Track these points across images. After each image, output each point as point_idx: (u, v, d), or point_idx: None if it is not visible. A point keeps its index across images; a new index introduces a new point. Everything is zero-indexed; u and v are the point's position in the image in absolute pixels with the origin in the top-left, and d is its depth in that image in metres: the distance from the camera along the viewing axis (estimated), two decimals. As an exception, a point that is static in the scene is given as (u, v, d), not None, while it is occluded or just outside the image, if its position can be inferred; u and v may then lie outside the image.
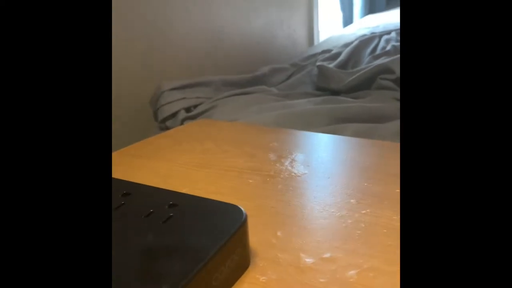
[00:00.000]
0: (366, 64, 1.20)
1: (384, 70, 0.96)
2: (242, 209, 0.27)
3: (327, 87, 1.05)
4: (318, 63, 1.20)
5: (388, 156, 0.44)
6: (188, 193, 0.32)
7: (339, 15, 2.96)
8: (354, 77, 1.00)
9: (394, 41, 1.55)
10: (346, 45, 1.52)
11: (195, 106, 0.91)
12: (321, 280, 0.26)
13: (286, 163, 0.44)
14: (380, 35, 1.65)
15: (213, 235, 0.25)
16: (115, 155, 0.50)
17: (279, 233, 0.31)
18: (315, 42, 2.30)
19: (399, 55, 1.04)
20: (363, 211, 0.33)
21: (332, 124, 0.76)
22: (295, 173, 0.41)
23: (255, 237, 0.30)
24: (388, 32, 1.72)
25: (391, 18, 2.47)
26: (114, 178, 0.33)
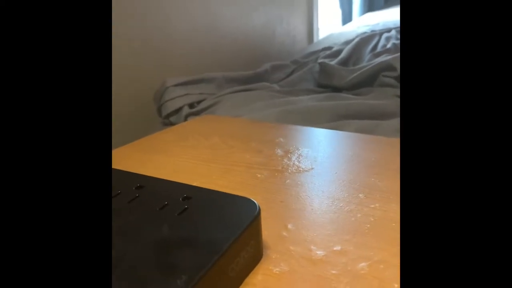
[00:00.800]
0: (367, 62, 1.21)
1: (386, 67, 0.97)
2: (256, 202, 0.28)
3: (329, 84, 1.06)
4: (319, 60, 1.21)
5: (393, 152, 0.44)
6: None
7: (338, 13, 2.96)
8: (356, 74, 1.00)
9: (394, 39, 1.56)
10: (347, 42, 1.53)
11: (198, 102, 0.92)
12: (333, 272, 0.26)
13: (293, 158, 0.44)
14: (380, 33, 1.66)
15: (228, 228, 0.25)
16: (121, 150, 0.50)
17: (289, 226, 0.31)
18: (315, 40, 2.30)
19: (400, 53, 1.04)
20: (372, 206, 0.34)
21: (334, 120, 0.77)
22: (302, 168, 0.42)
23: (266, 230, 0.31)
24: (388, 30, 1.73)
25: (390, 16, 2.47)
26: (127, 171, 0.33)
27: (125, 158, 0.47)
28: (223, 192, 0.30)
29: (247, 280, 0.26)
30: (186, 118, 0.84)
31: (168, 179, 0.33)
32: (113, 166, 0.35)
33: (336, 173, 0.40)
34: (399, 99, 0.86)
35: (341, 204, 0.34)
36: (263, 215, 0.30)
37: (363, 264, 0.27)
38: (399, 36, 1.60)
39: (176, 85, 0.92)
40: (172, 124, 0.87)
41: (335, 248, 0.29)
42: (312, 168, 0.42)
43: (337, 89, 1.03)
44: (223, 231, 0.25)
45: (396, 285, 0.25)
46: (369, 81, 0.99)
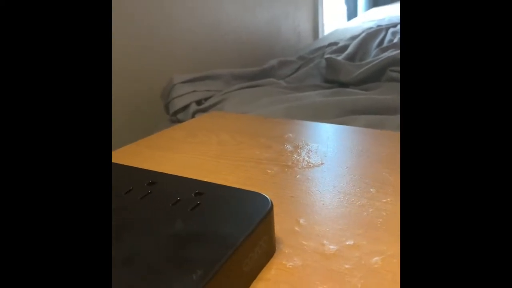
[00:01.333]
0: (374, 57, 1.20)
1: (394, 62, 0.96)
2: (268, 197, 0.28)
3: (336, 80, 1.05)
4: (326, 56, 1.20)
5: (403, 147, 0.44)
6: (210, 182, 0.32)
7: (343, 8, 2.95)
8: (363, 69, 1.00)
9: (401, 33, 1.54)
10: (353, 38, 1.52)
11: (206, 99, 0.92)
12: (346, 266, 0.26)
13: (303, 154, 0.44)
14: (387, 28, 1.65)
15: (241, 223, 0.25)
16: (129, 148, 0.50)
17: (301, 221, 0.31)
18: (320, 35, 2.29)
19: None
20: (384, 200, 0.34)
21: (342, 116, 0.76)
22: (312, 163, 0.42)
23: (278, 225, 0.31)
24: (394, 25, 1.71)
25: (395, 11, 2.46)
26: (138, 168, 0.33)
27: (134, 155, 0.48)
28: (235, 188, 0.30)
29: (261, 275, 0.26)
30: (193, 115, 0.84)
31: (179, 175, 0.33)
32: (121, 163, 0.35)
33: (346, 168, 0.40)
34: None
35: (353, 199, 0.34)
36: (274, 210, 0.30)
37: (376, 258, 0.27)
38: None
39: (183, 82, 0.92)
40: (179, 121, 0.87)
41: (347, 243, 0.29)
42: (322, 163, 0.42)
43: (344, 85, 1.03)
44: (237, 226, 0.25)
45: (410, 279, 0.25)
46: (376, 76, 0.99)
